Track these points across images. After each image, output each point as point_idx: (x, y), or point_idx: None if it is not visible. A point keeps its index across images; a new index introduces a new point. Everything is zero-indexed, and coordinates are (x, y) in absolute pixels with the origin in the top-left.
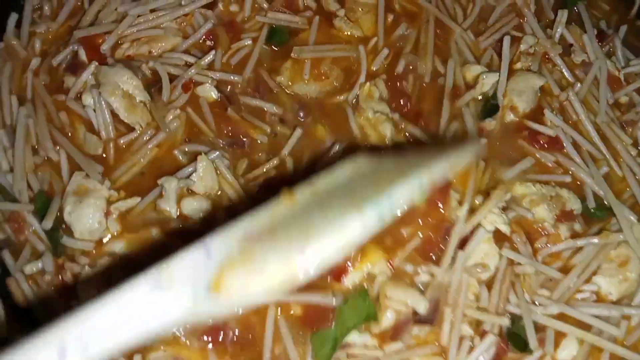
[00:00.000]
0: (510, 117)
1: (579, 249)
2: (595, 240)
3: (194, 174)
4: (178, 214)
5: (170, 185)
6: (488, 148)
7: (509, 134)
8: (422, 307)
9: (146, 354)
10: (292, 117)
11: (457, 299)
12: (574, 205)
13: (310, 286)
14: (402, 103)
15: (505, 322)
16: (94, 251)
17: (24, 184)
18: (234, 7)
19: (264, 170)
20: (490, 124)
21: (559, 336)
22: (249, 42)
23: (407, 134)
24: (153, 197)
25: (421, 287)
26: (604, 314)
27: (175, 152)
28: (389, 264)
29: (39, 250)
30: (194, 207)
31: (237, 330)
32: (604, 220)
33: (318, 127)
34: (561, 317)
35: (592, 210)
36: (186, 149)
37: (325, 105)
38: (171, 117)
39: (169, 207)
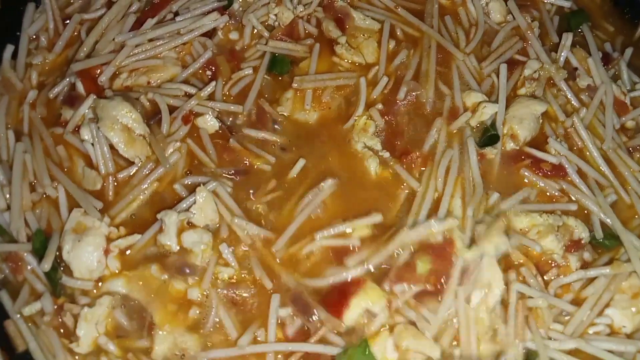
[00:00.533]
0: (510, 145)
1: (591, 280)
2: (607, 270)
3: (193, 206)
4: (178, 248)
5: (170, 219)
6: (488, 177)
7: (510, 163)
8: (436, 354)
9: None
10: (293, 146)
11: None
12: (582, 234)
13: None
14: (395, 140)
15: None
16: (94, 290)
17: (21, 223)
18: (233, 35)
19: (269, 198)
20: (491, 151)
21: None
22: (250, 71)
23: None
24: (153, 232)
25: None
26: (619, 349)
27: (176, 185)
28: (387, 304)
29: (37, 291)
30: (194, 239)
31: None
32: (612, 250)
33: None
34: (574, 351)
35: (600, 240)
36: (187, 182)
37: (324, 135)
38: (171, 150)
39: (169, 241)
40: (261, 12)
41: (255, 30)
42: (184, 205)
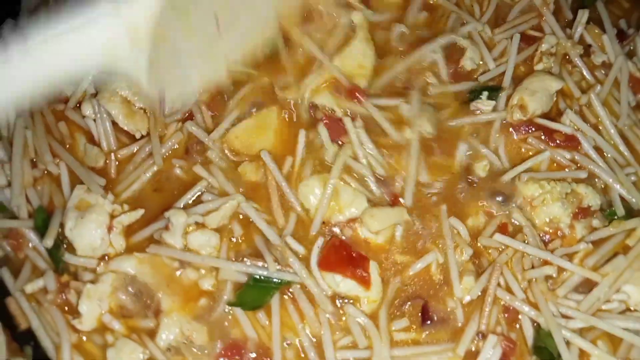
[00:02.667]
0: (517, 115)
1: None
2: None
3: (211, 215)
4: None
5: (179, 220)
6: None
7: (516, 133)
8: None
9: None
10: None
11: None
12: (592, 201)
13: None
14: None
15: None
16: (99, 268)
17: (22, 199)
18: None
19: None
20: (487, 102)
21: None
22: None
23: None
24: (158, 228)
25: None
26: (635, 327)
27: (176, 164)
28: None
29: (39, 268)
30: (201, 242)
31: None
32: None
33: None
34: (587, 329)
35: (617, 217)
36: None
37: None
38: (173, 129)
39: (175, 242)
40: None
41: None
42: (190, 197)
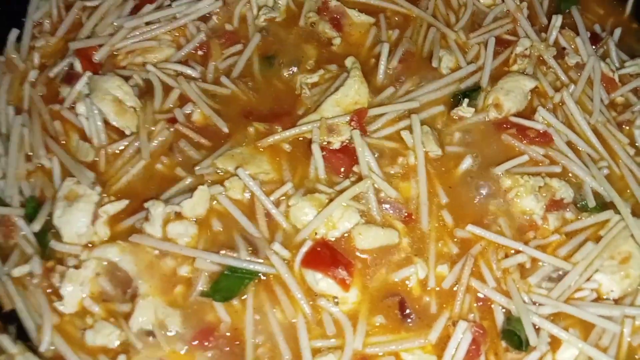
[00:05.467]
0: (493, 114)
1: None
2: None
3: (185, 201)
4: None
5: (157, 210)
6: (469, 144)
7: (491, 131)
8: None
9: (131, 357)
10: None
11: None
12: (565, 194)
13: None
14: None
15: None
16: (83, 255)
17: (15, 190)
18: (228, 27)
19: None
20: (466, 109)
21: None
22: (240, 47)
23: None
24: (139, 218)
25: None
26: (606, 313)
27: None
28: None
29: (27, 254)
30: (179, 231)
31: (226, 335)
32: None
33: None
34: (562, 316)
35: (589, 209)
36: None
37: None
38: (160, 126)
39: (154, 232)
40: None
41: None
42: (174, 191)
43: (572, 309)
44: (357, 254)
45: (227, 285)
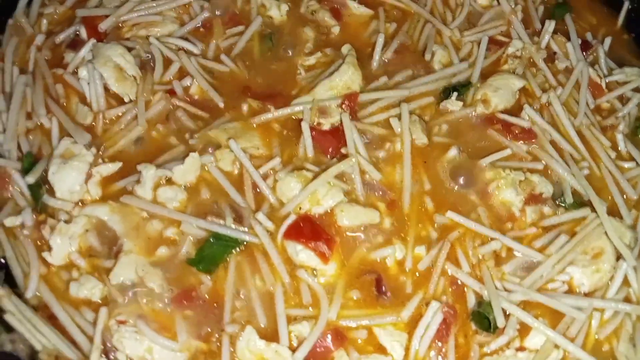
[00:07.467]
0: (480, 109)
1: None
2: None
3: (176, 167)
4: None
5: (148, 172)
6: (455, 136)
7: (478, 125)
8: None
9: (112, 310)
10: None
11: None
12: (544, 189)
13: None
14: None
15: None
16: (73, 211)
17: (14, 144)
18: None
19: None
20: (455, 102)
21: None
22: (242, 28)
23: None
24: (132, 181)
25: None
26: (574, 304)
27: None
28: None
29: (20, 207)
30: (169, 196)
31: (205, 297)
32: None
33: None
34: (532, 305)
35: (566, 207)
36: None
37: None
38: (158, 97)
39: (145, 194)
40: None
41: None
42: (167, 158)
43: (542, 297)
44: (339, 230)
45: (211, 252)
